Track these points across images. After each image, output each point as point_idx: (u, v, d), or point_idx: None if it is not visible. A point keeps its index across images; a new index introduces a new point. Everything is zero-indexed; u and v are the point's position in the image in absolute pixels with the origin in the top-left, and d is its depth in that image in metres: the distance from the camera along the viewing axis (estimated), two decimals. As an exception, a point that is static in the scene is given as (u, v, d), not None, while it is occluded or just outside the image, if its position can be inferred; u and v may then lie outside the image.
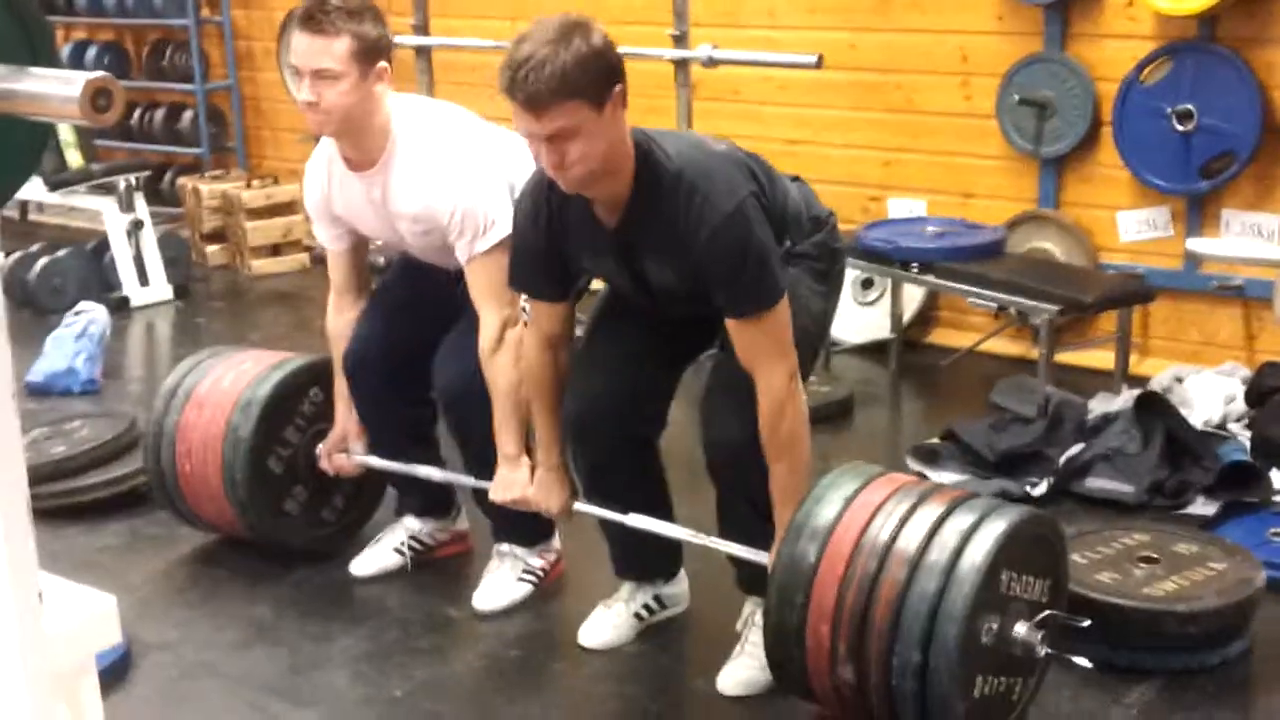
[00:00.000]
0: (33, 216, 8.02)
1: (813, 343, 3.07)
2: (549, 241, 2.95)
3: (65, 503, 4.03)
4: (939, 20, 5.34)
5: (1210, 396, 4.38)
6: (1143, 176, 4.95)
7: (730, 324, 2.84)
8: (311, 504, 3.72)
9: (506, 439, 3.27)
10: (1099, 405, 4.34)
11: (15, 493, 1.75)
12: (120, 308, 6.11)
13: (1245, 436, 4.16)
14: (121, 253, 6.28)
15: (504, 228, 3.19)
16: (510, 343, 3.22)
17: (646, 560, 3.35)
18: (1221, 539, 3.48)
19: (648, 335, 3.13)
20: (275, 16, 7.26)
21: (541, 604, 3.52)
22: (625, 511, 3.16)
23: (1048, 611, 2.71)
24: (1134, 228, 5.07)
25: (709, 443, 3.01)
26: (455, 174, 3.22)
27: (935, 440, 4.28)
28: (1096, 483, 3.98)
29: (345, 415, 3.60)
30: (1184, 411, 4.24)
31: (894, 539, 2.63)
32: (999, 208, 5.33)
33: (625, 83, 2.73)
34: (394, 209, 3.30)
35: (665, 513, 3.25)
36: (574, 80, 2.62)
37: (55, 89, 1.48)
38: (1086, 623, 2.78)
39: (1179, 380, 4.56)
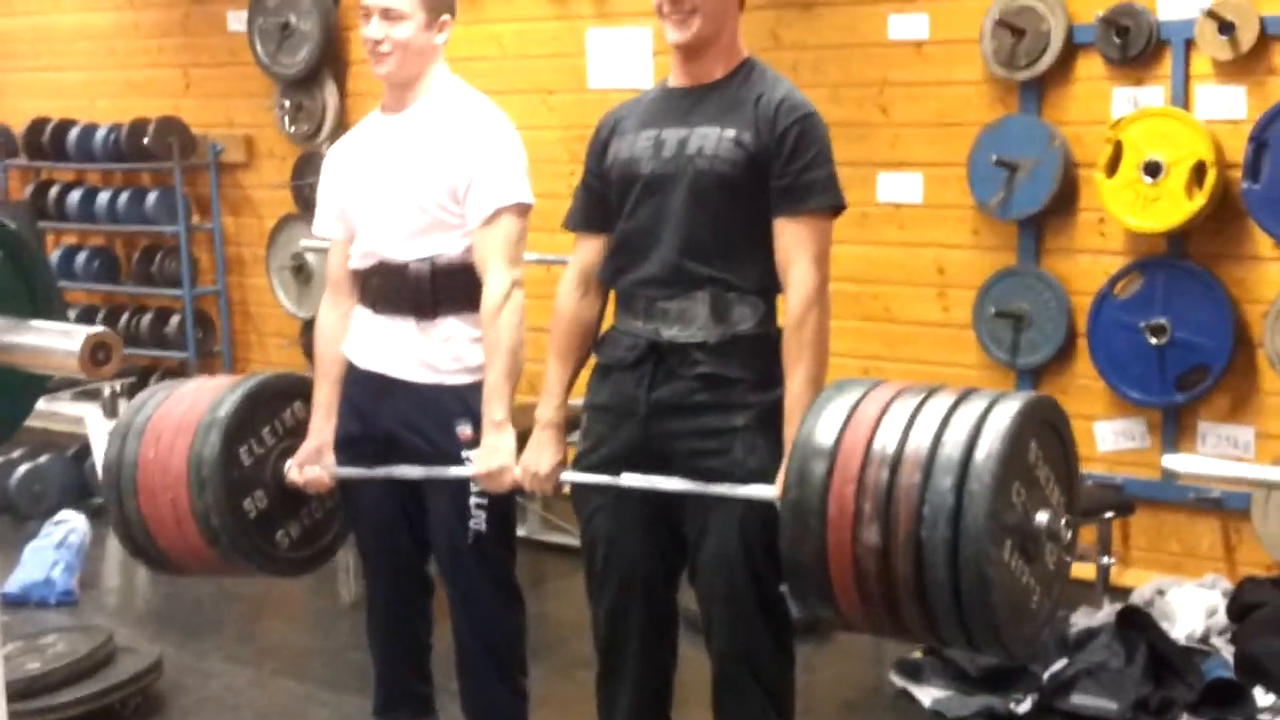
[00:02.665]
0: (16, 419, 8.02)
1: None
2: (609, 134, 3.07)
3: (38, 721, 3.97)
4: (916, 234, 5.46)
5: (1192, 610, 4.37)
6: (1119, 388, 5.01)
7: (778, 222, 2.90)
8: (268, 517, 3.47)
9: (497, 404, 3.18)
10: (1081, 619, 4.33)
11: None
12: (100, 514, 6.08)
13: (1228, 651, 4.14)
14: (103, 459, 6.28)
15: (527, 193, 3.29)
16: (517, 303, 3.22)
17: None
18: (1208, 760, 3.45)
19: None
20: (265, 224, 7.39)
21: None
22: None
23: (1069, 516, 2.65)
24: (1111, 438, 5.11)
25: None
26: (496, 126, 3.33)
27: (918, 654, 4.25)
28: (1081, 699, 3.95)
29: (322, 426, 3.44)
30: (1166, 625, 4.24)
31: (918, 411, 2.56)
32: (978, 417, 5.37)
33: None
34: (415, 149, 3.30)
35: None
36: None
37: (56, 343, 1.51)
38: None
39: (1160, 593, 4.56)
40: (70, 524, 5.39)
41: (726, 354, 2.93)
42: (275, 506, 3.48)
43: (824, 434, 2.59)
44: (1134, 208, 4.80)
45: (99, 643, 4.20)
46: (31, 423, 6.73)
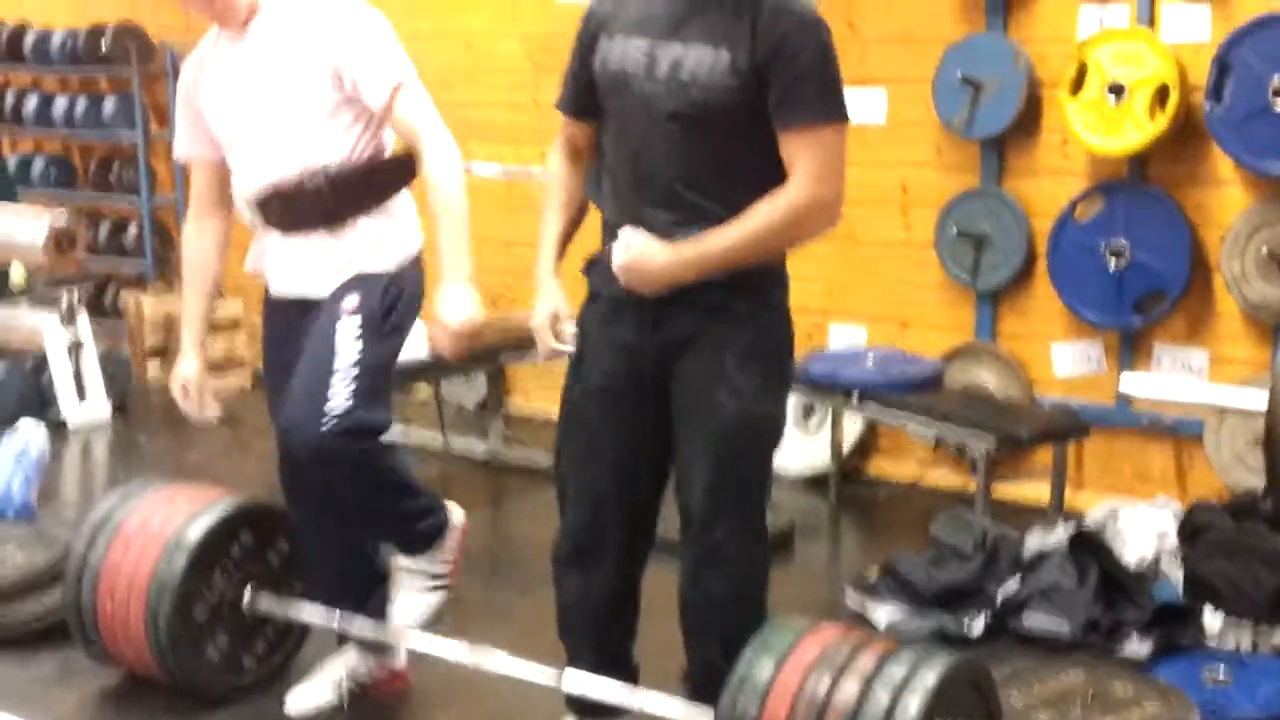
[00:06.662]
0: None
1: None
2: (597, 29, 2.96)
3: (-5, 632, 3.98)
4: (880, 154, 5.43)
5: (1144, 532, 4.42)
6: (1077, 310, 5.04)
7: (783, 136, 2.78)
8: (233, 650, 3.63)
9: (464, 260, 3.19)
10: (1035, 541, 4.38)
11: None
12: (58, 428, 6.05)
13: (1178, 573, 4.19)
14: (60, 370, 6.23)
15: (408, 63, 3.23)
16: (459, 167, 3.21)
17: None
18: (1156, 680, 3.51)
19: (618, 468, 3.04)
20: (223, 133, 7.29)
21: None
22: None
23: None
24: (1068, 361, 5.14)
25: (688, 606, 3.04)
26: (348, 11, 3.24)
27: (874, 574, 4.29)
28: (1033, 620, 4.00)
29: (194, 342, 3.57)
30: (1118, 547, 4.28)
31: (829, 699, 2.65)
32: (937, 336, 5.40)
33: None
34: (275, 61, 3.25)
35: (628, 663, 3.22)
36: None
37: (20, 228, 1.50)
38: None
39: (1113, 515, 4.60)
40: (29, 434, 5.34)
41: (729, 285, 2.86)
42: (238, 638, 3.64)
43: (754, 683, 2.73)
44: (1097, 128, 4.80)
45: (58, 554, 4.17)
46: (-14, 333, 6.57)
